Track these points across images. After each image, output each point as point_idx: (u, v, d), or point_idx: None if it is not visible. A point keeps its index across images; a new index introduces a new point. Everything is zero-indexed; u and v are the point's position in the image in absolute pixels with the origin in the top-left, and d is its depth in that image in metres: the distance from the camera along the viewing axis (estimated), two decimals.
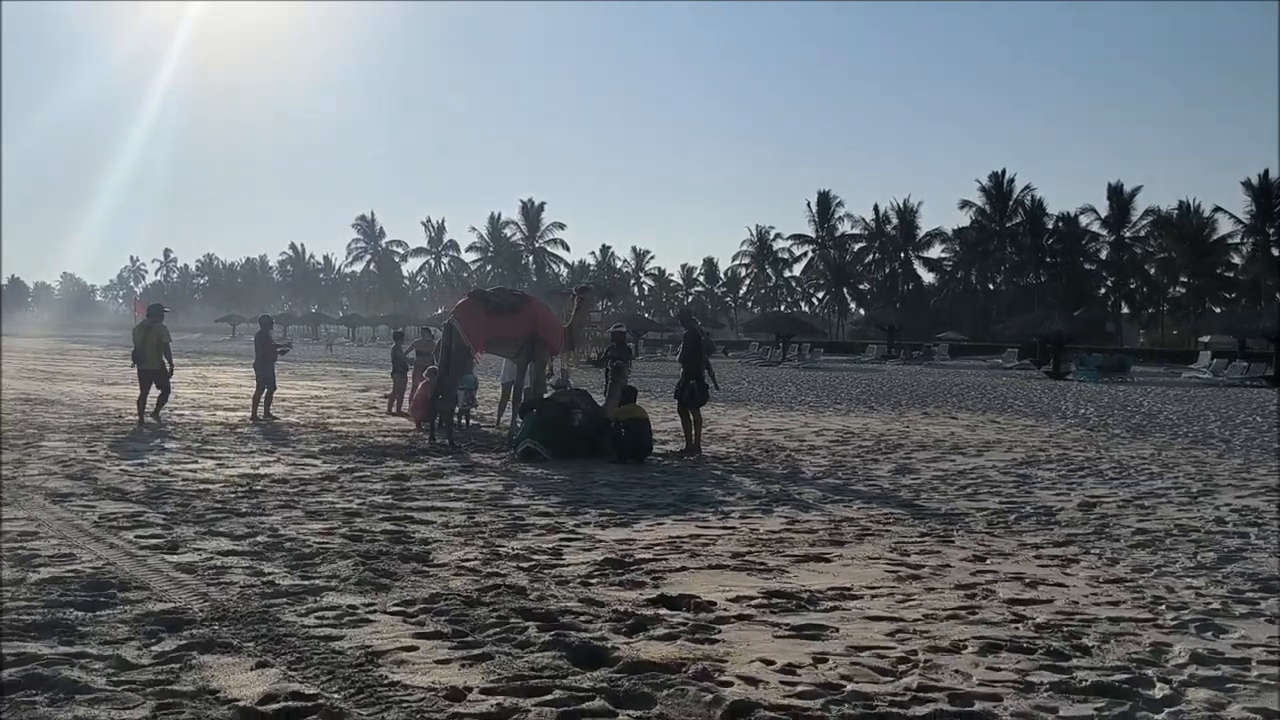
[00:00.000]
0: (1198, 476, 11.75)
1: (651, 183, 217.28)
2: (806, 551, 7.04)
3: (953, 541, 7.62)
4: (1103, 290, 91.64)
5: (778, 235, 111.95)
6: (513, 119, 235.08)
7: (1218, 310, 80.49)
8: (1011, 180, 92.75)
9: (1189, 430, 18.37)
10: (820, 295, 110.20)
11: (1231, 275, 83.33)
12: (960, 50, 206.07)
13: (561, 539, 7.25)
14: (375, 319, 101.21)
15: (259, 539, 6.91)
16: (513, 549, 6.79)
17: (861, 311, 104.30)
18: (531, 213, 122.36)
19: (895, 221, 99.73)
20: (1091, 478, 11.58)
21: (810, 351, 58.53)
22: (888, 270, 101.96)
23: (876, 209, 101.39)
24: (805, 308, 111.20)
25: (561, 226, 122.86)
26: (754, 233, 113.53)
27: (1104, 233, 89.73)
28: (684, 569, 6.34)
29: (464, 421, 15.65)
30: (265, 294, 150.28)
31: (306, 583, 5.71)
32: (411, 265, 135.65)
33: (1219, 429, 18.80)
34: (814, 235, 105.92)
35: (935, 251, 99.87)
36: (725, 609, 5.35)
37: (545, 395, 13.94)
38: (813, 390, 29.12)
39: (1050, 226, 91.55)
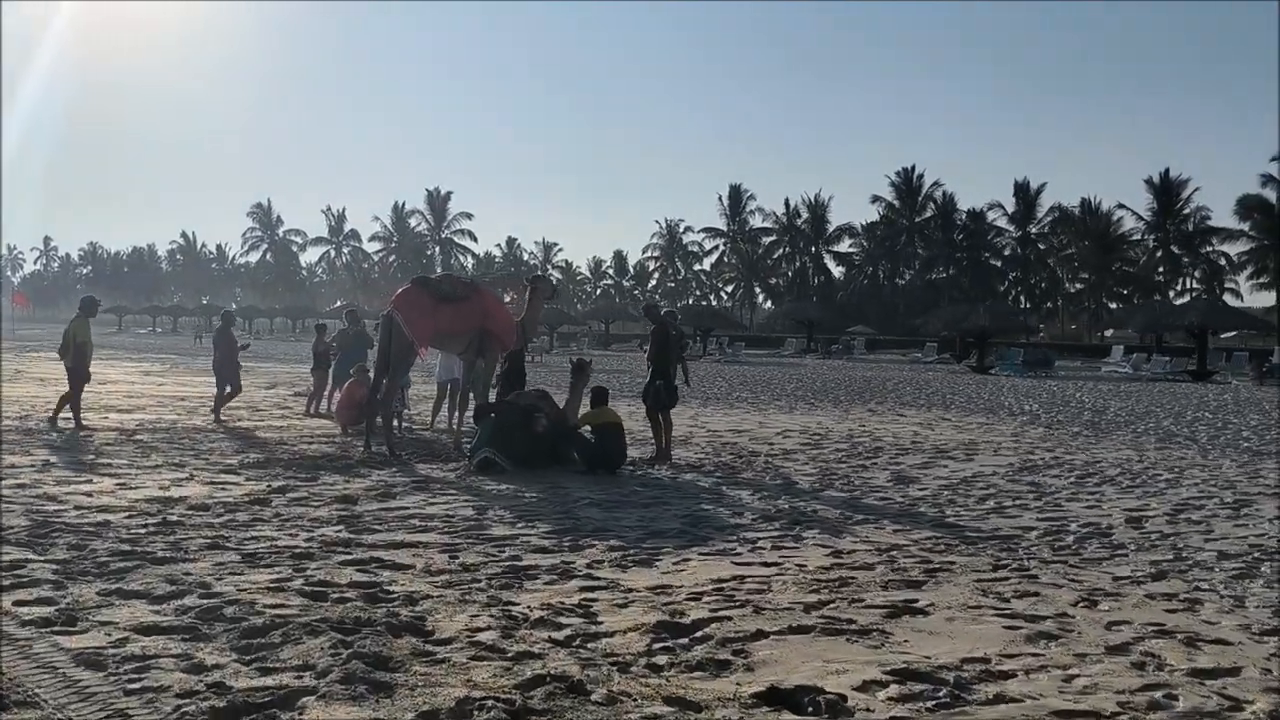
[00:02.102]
0: (1216, 483, 11.05)
1: (560, 174, 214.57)
2: (886, 599, 5.68)
3: (1037, 577, 6.41)
4: (1004, 285, 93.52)
5: (688, 228, 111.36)
6: (417, 106, 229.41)
7: (1113, 306, 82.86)
8: (921, 176, 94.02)
9: (1147, 427, 18.03)
10: (730, 289, 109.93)
11: (1131, 270, 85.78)
12: (873, 47, 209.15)
13: (582, 588, 5.68)
14: (273, 311, 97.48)
15: (188, 602, 5.12)
16: (530, 609, 5.19)
17: (769, 305, 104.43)
18: (438, 202, 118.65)
19: (806, 216, 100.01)
20: (1107, 485, 10.80)
21: (730, 345, 57.77)
22: (798, 264, 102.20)
23: (787, 203, 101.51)
24: (714, 301, 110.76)
25: (469, 217, 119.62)
26: (664, 226, 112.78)
27: (1010, 228, 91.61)
28: (761, 634, 4.85)
29: (397, 425, 13.94)
30: (154, 284, 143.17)
31: (271, 682, 3.98)
32: (310, 255, 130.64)
33: (1175, 426, 18.53)
34: (725, 229, 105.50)
35: (845, 246, 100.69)
36: (865, 708, 3.89)
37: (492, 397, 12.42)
38: (745, 385, 28.17)
39: (959, 222, 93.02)
